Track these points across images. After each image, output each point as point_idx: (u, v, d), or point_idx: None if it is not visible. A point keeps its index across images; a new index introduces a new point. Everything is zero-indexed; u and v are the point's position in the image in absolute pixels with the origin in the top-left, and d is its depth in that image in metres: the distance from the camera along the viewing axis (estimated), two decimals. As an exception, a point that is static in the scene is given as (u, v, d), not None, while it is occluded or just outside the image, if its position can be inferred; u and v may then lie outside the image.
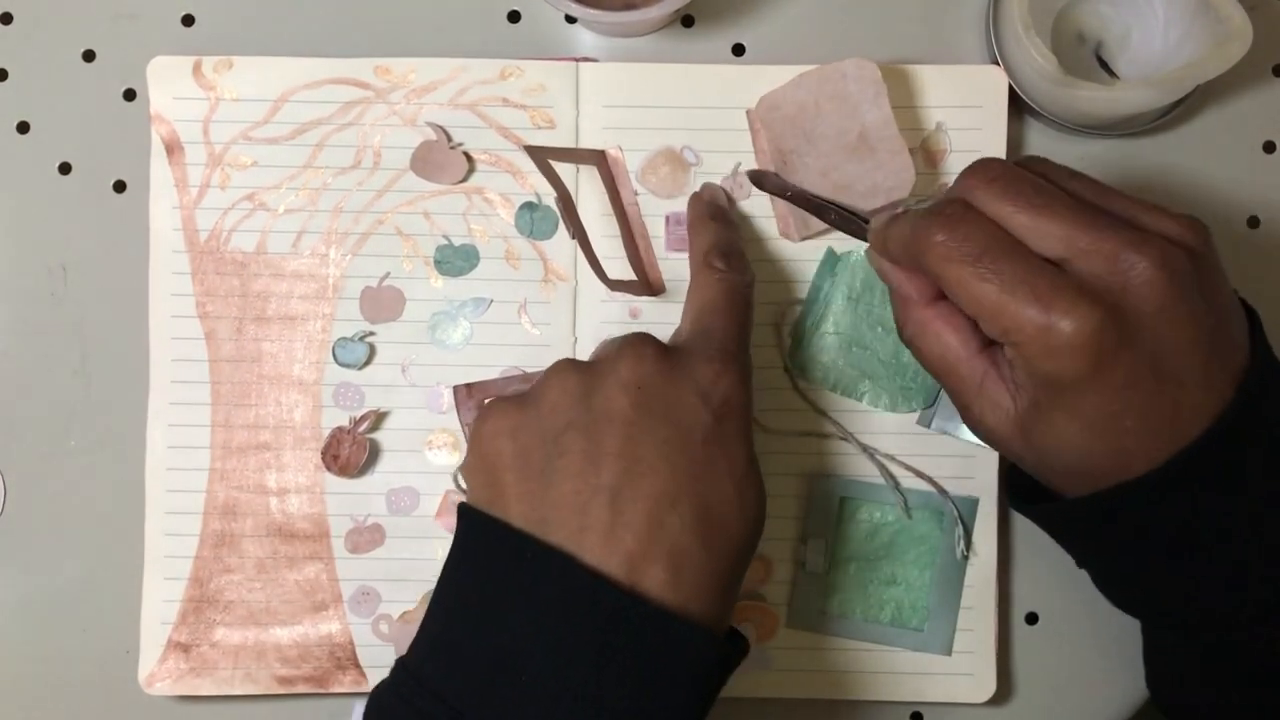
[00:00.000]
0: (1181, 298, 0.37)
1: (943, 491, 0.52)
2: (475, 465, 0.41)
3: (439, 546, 0.52)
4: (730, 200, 0.52)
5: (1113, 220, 0.38)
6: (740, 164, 0.52)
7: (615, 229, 0.52)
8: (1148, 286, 0.36)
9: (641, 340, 0.41)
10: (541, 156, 0.51)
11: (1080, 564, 0.45)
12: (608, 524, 0.37)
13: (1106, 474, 0.39)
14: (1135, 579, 0.43)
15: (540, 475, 0.39)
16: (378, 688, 0.40)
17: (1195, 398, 0.38)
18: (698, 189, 0.52)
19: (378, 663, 0.52)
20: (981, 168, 0.40)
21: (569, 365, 0.41)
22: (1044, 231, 0.38)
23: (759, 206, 0.52)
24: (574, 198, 0.52)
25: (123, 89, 0.54)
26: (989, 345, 0.41)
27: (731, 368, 0.41)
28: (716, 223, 0.49)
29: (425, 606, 0.41)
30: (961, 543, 0.52)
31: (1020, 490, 0.46)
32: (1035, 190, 0.39)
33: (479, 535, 0.40)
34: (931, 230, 0.39)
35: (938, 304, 0.41)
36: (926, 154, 0.52)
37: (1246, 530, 0.40)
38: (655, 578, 0.37)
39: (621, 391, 0.39)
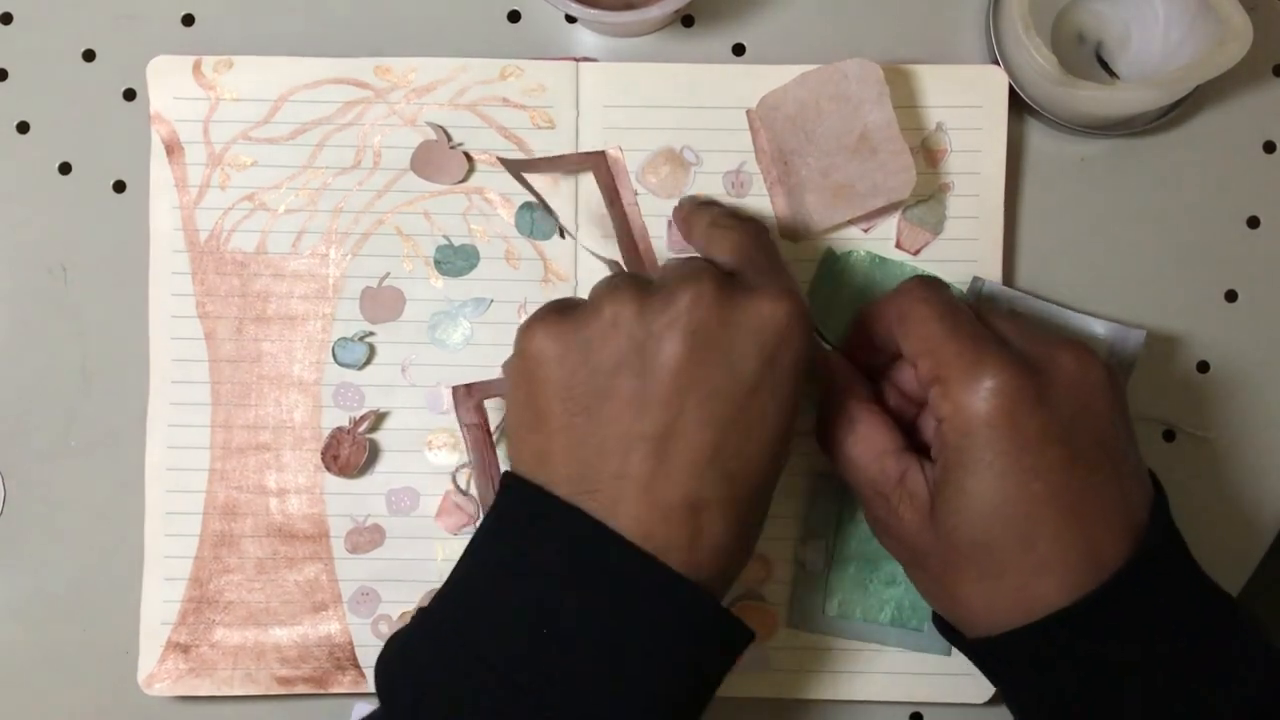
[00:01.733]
0: (1103, 388, 0.42)
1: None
2: (519, 381, 0.42)
3: (439, 547, 0.52)
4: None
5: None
6: (744, 163, 0.52)
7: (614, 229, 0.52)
8: (1074, 370, 0.41)
9: (701, 276, 0.41)
10: (515, 169, 0.50)
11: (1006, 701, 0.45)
12: (647, 476, 0.40)
13: (1008, 565, 0.41)
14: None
15: (585, 412, 0.40)
16: (400, 638, 0.41)
17: (1112, 488, 0.41)
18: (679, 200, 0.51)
19: (378, 663, 0.52)
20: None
21: (626, 290, 0.41)
22: (999, 325, 0.44)
23: (759, 206, 0.52)
24: (574, 198, 0.52)
25: (123, 89, 0.54)
26: (910, 447, 0.44)
27: (785, 299, 0.41)
28: (712, 204, 0.50)
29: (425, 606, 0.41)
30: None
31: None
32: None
33: (521, 504, 0.41)
34: (920, 282, 0.45)
35: (868, 402, 0.45)
36: (926, 154, 0.52)
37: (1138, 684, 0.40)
38: (679, 537, 0.39)
39: (678, 336, 0.40)
